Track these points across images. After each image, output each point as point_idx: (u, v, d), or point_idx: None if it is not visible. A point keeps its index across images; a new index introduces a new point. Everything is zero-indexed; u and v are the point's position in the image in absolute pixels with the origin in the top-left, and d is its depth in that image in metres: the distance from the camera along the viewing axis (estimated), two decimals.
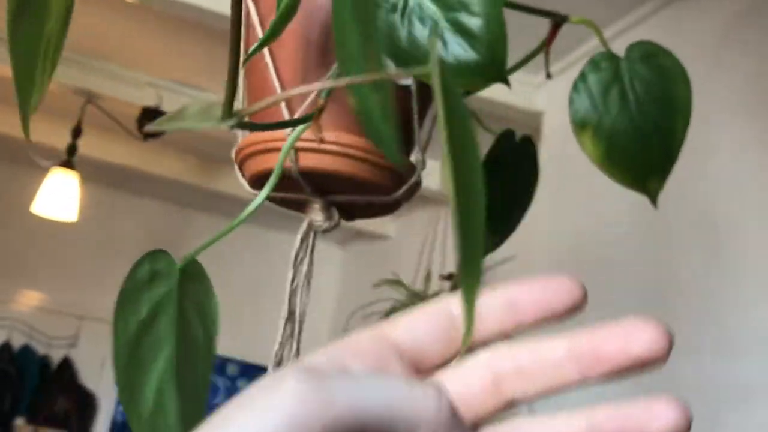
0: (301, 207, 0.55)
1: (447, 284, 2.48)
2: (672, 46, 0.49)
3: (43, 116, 3.17)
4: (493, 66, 0.40)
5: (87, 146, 2.94)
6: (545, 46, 0.54)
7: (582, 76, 0.45)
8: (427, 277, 2.32)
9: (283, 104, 0.50)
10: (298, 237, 0.55)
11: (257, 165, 0.52)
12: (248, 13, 0.52)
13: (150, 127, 0.44)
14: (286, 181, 0.51)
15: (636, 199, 1.70)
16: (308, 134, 0.49)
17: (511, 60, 0.49)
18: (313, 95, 0.49)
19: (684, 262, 1.55)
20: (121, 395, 0.42)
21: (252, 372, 3.99)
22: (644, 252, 1.69)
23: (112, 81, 2.67)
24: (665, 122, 0.42)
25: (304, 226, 0.54)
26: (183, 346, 0.42)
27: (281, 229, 4.11)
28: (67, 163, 2.73)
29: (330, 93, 0.48)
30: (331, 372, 0.23)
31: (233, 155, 0.55)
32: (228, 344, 3.94)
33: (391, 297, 2.21)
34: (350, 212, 0.56)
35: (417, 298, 2.14)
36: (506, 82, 0.42)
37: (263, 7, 0.51)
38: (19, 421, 3.52)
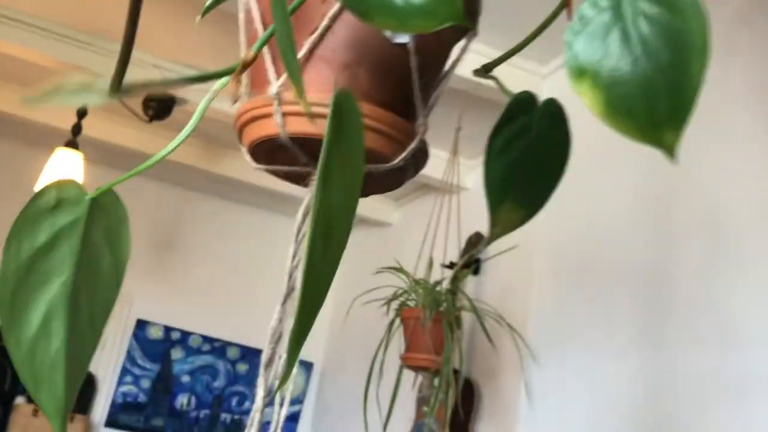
0: (303, 180, 0.53)
1: (448, 272, 2.48)
2: None
3: None
4: (448, 4, 0.36)
5: (92, 128, 2.94)
6: (565, 5, 0.49)
7: (580, 17, 0.39)
8: (430, 265, 2.32)
9: (271, 70, 0.48)
10: (300, 210, 0.52)
11: (253, 132, 0.50)
12: None
13: (29, 100, 0.43)
14: (283, 152, 0.49)
15: (639, 190, 1.69)
16: (292, 97, 0.47)
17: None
18: (302, 51, 0.47)
19: (687, 254, 1.55)
20: (2, 320, 0.40)
21: (251, 355, 4.00)
22: (646, 244, 1.68)
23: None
24: (676, 63, 0.37)
25: (306, 199, 0.52)
26: (84, 273, 0.41)
27: (286, 213, 4.10)
28: (72, 143, 2.72)
29: (313, 52, 0.46)
30: None
31: (234, 125, 0.53)
32: (229, 329, 3.96)
33: (393, 284, 2.20)
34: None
35: (419, 285, 2.13)
36: (464, 21, 0.38)
37: None
38: (20, 400, 3.54)
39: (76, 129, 2.75)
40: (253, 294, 3.89)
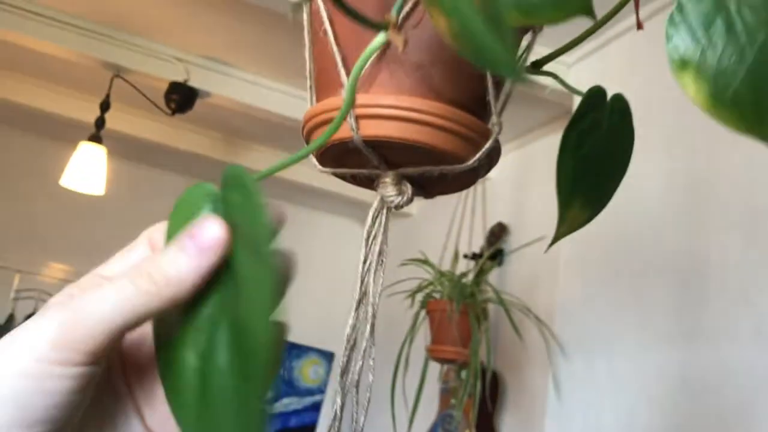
0: (372, 183, 0.53)
1: (473, 264, 2.46)
2: None
3: (71, 90, 3.19)
4: None
5: (114, 120, 2.95)
6: None
7: (679, 6, 0.38)
8: (455, 257, 2.31)
9: (342, 71, 0.47)
10: (370, 214, 0.52)
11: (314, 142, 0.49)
12: None
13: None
14: (354, 155, 0.49)
15: (672, 178, 1.65)
16: (366, 99, 0.46)
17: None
18: (372, 57, 0.46)
19: (722, 244, 1.52)
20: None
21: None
22: (679, 234, 1.66)
23: (141, 55, 2.67)
24: None
25: (375, 202, 0.52)
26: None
27: (317, 208, 4.10)
28: (95, 137, 2.73)
29: (386, 52, 0.46)
30: (86, 291, 0.33)
31: (301, 130, 0.52)
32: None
33: (417, 276, 2.19)
34: (427, 187, 0.53)
35: (444, 277, 2.12)
36: (593, 14, 0.36)
37: None
38: None
39: (100, 122, 2.76)
40: (293, 292, 3.90)
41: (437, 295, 2.11)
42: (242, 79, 2.79)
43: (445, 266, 2.33)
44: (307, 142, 0.51)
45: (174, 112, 2.73)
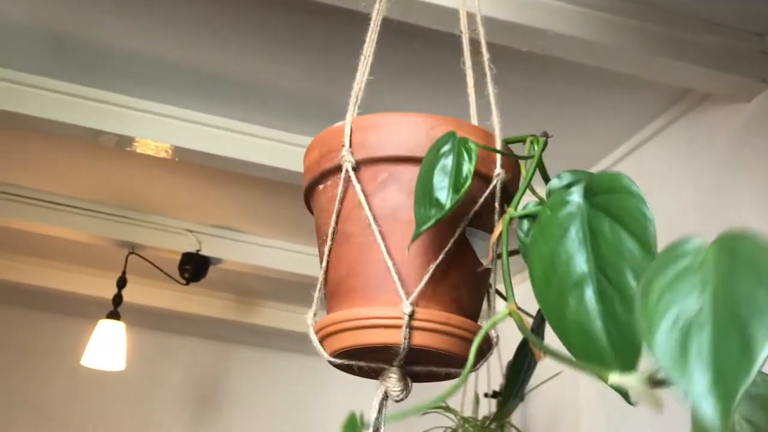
0: (374, 374, 0.60)
1: (494, 402, 2.45)
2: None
3: (88, 269, 3.30)
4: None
5: (131, 294, 3.03)
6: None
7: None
8: (476, 400, 2.30)
9: (398, 283, 0.55)
10: (375, 405, 0.58)
11: (367, 337, 0.56)
12: (346, 190, 0.58)
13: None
14: (372, 353, 0.56)
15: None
16: (425, 315, 0.55)
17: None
18: (429, 274, 0.55)
19: None
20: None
21: None
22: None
23: (154, 231, 2.79)
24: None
25: (380, 394, 0.58)
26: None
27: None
28: (114, 314, 2.81)
29: (437, 275, 0.55)
30: None
31: (312, 329, 0.59)
32: None
33: (440, 425, 2.18)
34: (421, 378, 0.61)
35: (468, 423, 2.11)
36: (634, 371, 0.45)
37: (368, 185, 0.57)
38: None
39: (117, 300, 2.85)
40: None
41: None
42: (251, 243, 2.90)
43: (467, 409, 2.32)
44: (321, 341, 0.58)
45: (188, 281, 2.81)
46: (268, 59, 1.81)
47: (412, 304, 0.54)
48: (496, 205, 0.60)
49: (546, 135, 0.63)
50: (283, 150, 2.10)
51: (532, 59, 1.55)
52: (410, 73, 1.76)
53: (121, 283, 2.85)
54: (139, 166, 2.43)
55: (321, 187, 0.60)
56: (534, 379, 2.58)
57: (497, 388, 2.65)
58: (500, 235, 0.57)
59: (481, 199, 0.59)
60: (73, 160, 2.45)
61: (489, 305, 0.64)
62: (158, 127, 2.07)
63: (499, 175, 0.60)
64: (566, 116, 1.85)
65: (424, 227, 0.52)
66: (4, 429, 3.59)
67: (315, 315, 0.59)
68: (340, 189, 0.58)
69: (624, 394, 0.45)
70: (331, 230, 0.57)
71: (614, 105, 1.80)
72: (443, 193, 0.53)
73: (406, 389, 0.58)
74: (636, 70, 1.54)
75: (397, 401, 0.58)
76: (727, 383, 0.32)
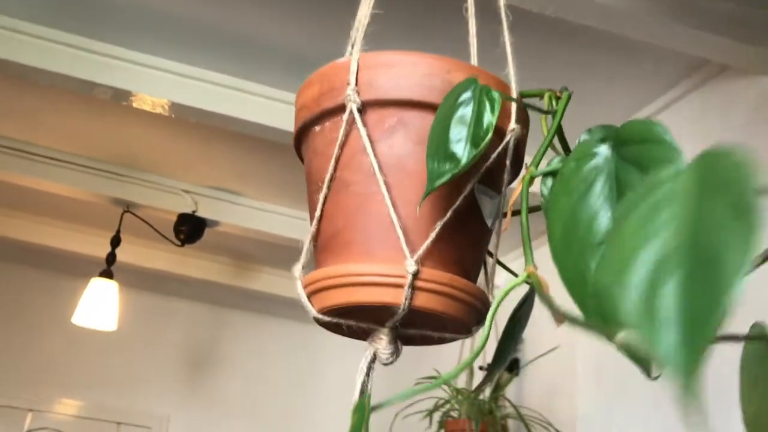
0: (363, 335, 0.56)
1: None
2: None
3: (82, 227, 3.26)
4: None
5: (125, 253, 2.99)
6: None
7: None
8: (470, 372, 2.28)
9: (402, 239, 0.51)
10: (363, 367, 0.54)
11: (362, 295, 0.52)
12: (348, 133, 0.53)
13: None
14: (362, 312, 0.51)
15: None
16: (431, 275, 0.51)
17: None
18: (435, 231, 0.50)
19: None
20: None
21: None
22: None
23: (150, 190, 2.74)
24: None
25: (368, 355, 0.54)
26: None
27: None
28: (107, 273, 2.77)
29: (442, 234, 0.50)
30: None
31: (300, 282, 0.55)
32: None
33: (433, 395, 2.16)
34: (413, 342, 0.57)
35: (461, 394, 2.09)
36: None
37: (374, 130, 0.53)
38: None
39: (111, 258, 2.81)
40: (295, 409, 3.84)
41: (455, 414, 2.08)
42: (248, 206, 2.86)
43: (461, 381, 2.30)
44: (309, 297, 0.53)
45: (183, 242, 2.77)
46: (268, 15, 1.75)
47: (416, 262, 0.50)
48: (507, 162, 0.55)
49: (568, 90, 0.58)
50: (283, 110, 2.04)
51: (543, 22, 1.49)
52: (412, 25, 1.70)
53: (115, 241, 2.81)
54: (135, 123, 2.38)
55: (318, 128, 0.55)
56: (530, 353, 2.56)
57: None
58: (514, 196, 0.53)
59: (494, 155, 0.54)
60: (68, 114, 2.39)
61: (486, 272, 0.59)
62: (155, 82, 2.01)
63: (513, 130, 0.55)
64: (576, 83, 1.79)
65: (438, 183, 0.47)
66: None
67: (303, 268, 0.55)
68: (341, 132, 0.52)
69: (645, 364, 0.40)
70: (328, 176, 0.52)
71: (627, 74, 1.75)
72: (460, 147, 0.48)
73: (396, 352, 0.54)
74: (651, 37, 1.48)
75: (385, 364, 0.54)
76: (695, 341, 0.29)
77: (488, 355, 2.64)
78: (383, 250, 0.51)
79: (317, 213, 0.54)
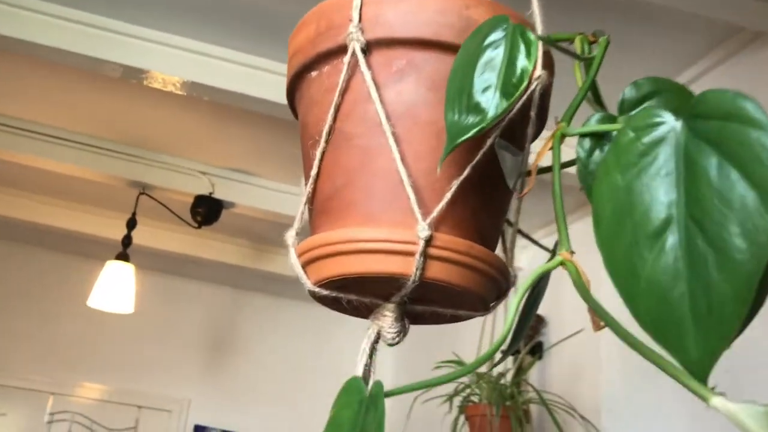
0: (365, 311, 0.49)
1: (511, 360, 2.37)
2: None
3: (98, 209, 3.23)
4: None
5: (142, 235, 2.96)
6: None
7: None
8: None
9: (413, 199, 0.44)
10: (365, 348, 0.48)
11: (366, 265, 0.45)
12: (350, 78, 0.46)
13: None
14: (363, 285, 0.45)
15: None
16: (446, 242, 0.44)
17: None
18: (452, 191, 0.44)
19: None
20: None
21: None
22: None
23: (165, 171, 2.70)
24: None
25: (371, 335, 0.47)
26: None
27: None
28: (123, 255, 2.74)
29: (459, 195, 0.44)
30: None
31: (294, 251, 0.48)
32: (289, 429, 3.85)
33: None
34: (420, 320, 0.50)
35: (482, 379, 2.04)
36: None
37: (380, 74, 0.46)
38: None
39: (127, 241, 2.78)
40: (314, 391, 3.81)
41: (475, 399, 2.02)
42: (264, 187, 2.81)
43: (482, 366, 2.25)
44: (304, 267, 0.47)
45: (200, 224, 2.73)
46: None
47: (430, 226, 0.43)
48: (532, 114, 0.48)
49: (605, 34, 0.51)
50: None
51: None
52: None
53: (131, 223, 2.77)
54: (149, 103, 2.33)
55: (314, 74, 0.48)
56: (553, 337, 2.49)
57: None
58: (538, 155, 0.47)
59: (518, 106, 0.47)
60: (79, 94, 2.35)
61: (504, 243, 0.52)
62: (167, 59, 1.95)
63: (540, 77, 0.47)
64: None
65: (461, 139, 0.40)
66: (13, 366, 3.59)
67: (298, 234, 0.48)
68: (342, 76, 0.45)
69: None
70: (326, 128, 0.45)
71: (653, 44, 1.66)
72: (487, 96, 0.41)
73: (403, 332, 0.47)
74: (677, 1, 1.40)
75: (390, 345, 0.47)
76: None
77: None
78: (390, 213, 0.44)
79: (313, 171, 0.47)
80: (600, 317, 0.38)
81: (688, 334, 0.32)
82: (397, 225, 0.44)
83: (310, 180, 0.47)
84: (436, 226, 0.44)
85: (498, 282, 0.48)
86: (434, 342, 3.46)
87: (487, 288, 0.46)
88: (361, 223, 0.44)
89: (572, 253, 0.40)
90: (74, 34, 1.87)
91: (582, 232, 2.20)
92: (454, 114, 0.41)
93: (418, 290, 0.45)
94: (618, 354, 2.02)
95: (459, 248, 0.44)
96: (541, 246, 0.58)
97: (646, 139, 0.36)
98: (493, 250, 0.48)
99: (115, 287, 2.64)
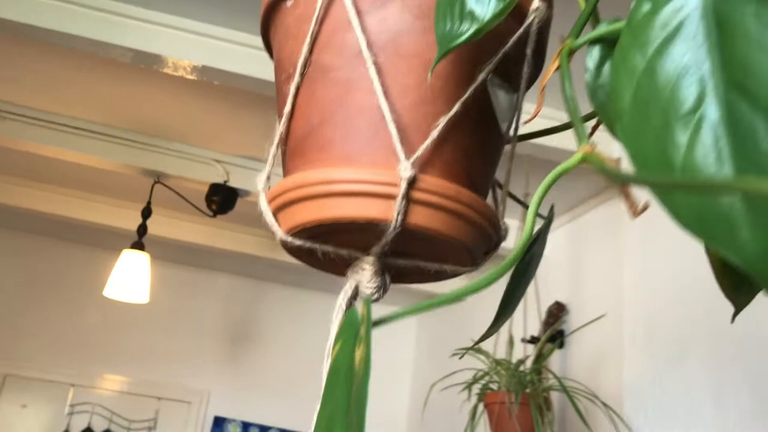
0: (342, 265, 0.44)
1: (531, 348, 2.32)
2: None
3: (113, 199, 3.22)
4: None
5: (157, 225, 2.95)
6: None
7: None
8: (510, 343, 2.17)
9: (395, 137, 0.40)
10: (341, 304, 0.43)
11: (341, 209, 0.40)
12: (329, 4, 0.42)
13: None
14: (340, 234, 0.41)
15: None
16: (432, 185, 0.40)
17: None
18: (439, 128, 0.39)
19: None
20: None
21: None
22: (755, 305, 1.51)
23: (180, 160, 2.68)
24: None
25: (348, 290, 0.43)
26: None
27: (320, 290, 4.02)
28: (138, 244, 2.73)
29: (447, 135, 0.39)
30: None
31: (264, 196, 0.44)
32: (308, 420, 3.83)
33: (472, 366, 2.06)
34: (402, 276, 0.46)
35: (501, 366, 1.99)
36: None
37: (363, 1, 0.42)
38: None
39: (142, 230, 2.76)
40: (287, 375, 3.79)
41: (494, 386, 1.97)
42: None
43: (500, 353, 2.20)
44: (275, 214, 0.43)
45: (216, 213, 2.71)
46: None
47: (413, 166, 0.39)
48: (528, 51, 0.44)
49: None
50: None
51: None
52: None
53: (146, 213, 2.76)
54: (161, 91, 2.31)
55: (289, 3, 0.44)
56: (574, 323, 2.43)
57: (536, 333, 2.51)
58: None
59: (513, 39, 0.42)
60: (91, 82, 2.33)
61: (495, 196, 0.48)
62: (177, 43, 1.93)
63: (537, 9, 0.43)
64: None
65: (454, 44, 0.35)
66: (34, 358, 3.60)
67: (269, 179, 0.44)
68: (320, 2, 0.41)
69: None
70: (301, 60, 0.41)
71: None
72: (482, 3, 0.36)
73: (383, 287, 0.42)
74: None
75: (368, 301, 0.43)
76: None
77: (530, 327, 2.52)
78: (370, 152, 0.40)
79: (287, 108, 0.43)
80: (635, 200, 0.33)
81: (741, 227, 0.25)
82: (378, 165, 0.39)
83: (284, 118, 0.43)
84: (421, 167, 0.40)
85: (487, 234, 0.43)
86: (453, 331, 3.41)
87: (475, 239, 0.42)
88: (338, 164, 0.40)
89: (593, 145, 0.34)
90: (84, 19, 1.85)
91: (596, 222, 2.14)
92: (445, 24, 0.36)
93: (400, 242, 0.40)
94: (641, 340, 1.96)
95: (446, 192, 0.40)
96: (520, 202, 0.53)
97: (667, 8, 0.30)
98: (484, 199, 0.43)
99: (130, 276, 2.63)
